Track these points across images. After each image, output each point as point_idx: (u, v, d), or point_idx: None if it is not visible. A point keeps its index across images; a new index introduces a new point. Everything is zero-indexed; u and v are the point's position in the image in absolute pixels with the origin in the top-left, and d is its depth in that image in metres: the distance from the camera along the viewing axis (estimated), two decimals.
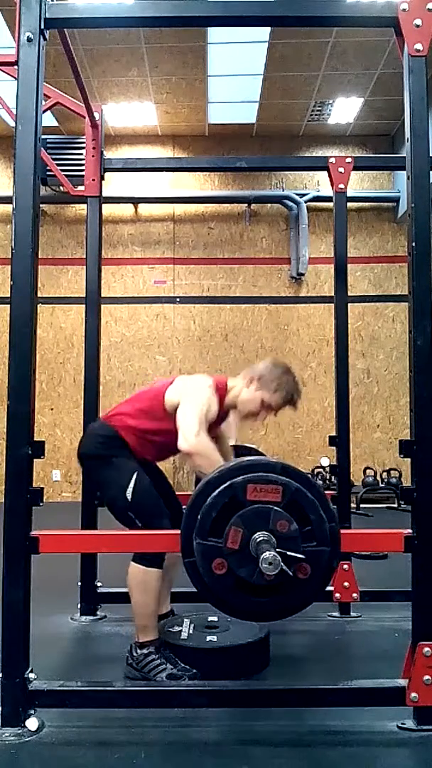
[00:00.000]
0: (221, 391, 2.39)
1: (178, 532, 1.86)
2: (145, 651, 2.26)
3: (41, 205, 4.03)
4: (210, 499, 1.78)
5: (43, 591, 2.57)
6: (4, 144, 7.44)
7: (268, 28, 5.32)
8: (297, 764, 1.74)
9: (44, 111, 2.31)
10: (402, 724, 1.89)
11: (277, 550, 1.71)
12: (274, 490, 1.77)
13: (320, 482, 6.52)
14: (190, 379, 2.43)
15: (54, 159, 3.64)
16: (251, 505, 1.76)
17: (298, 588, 1.78)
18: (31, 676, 1.89)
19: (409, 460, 1.96)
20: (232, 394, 2.42)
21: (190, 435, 2.17)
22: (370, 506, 6.27)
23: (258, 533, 1.74)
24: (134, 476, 2.29)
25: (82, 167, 3.17)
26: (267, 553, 1.69)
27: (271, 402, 2.38)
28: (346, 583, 2.94)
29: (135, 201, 7.49)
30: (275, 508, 1.76)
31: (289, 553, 1.73)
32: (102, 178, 3.16)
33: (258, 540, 1.73)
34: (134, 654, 2.28)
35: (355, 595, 2.95)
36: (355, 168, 3.20)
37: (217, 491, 1.78)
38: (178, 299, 7.54)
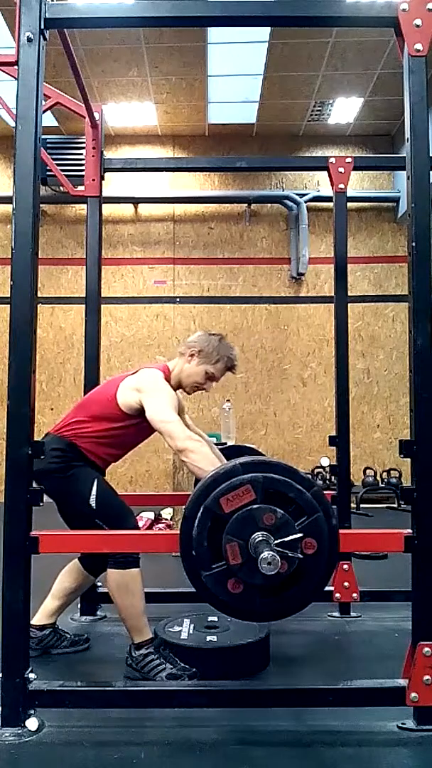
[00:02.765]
0: (167, 375, 2.46)
1: (177, 532, 1.86)
2: (143, 651, 2.26)
3: (41, 205, 4.01)
4: (195, 532, 1.79)
5: (43, 591, 2.58)
6: (4, 144, 7.44)
7: (268, 28, 5.32)
8: (297, 764, 1.74)
9: (44, 111, 2.31)
10: (402, 724, 1.89)
11: (276, 542, 1.72)
12: (244, 491, 1.78)
13: (320, 482, 6.52)
14: (143, 378, 2.42)
15: (54, 159, 3.64)
16: (232, 515, 1.77)
17: (314, 562, 1.78)
18: (31, 676, 1.89)
19: (409, 460, 1.96)
20: (174, 374, 2.51)
21: (178, 437, 2.21)
22: (370, 506, 6.27)
23: (252, 537, 1.74)
24: (95, 483, 2.33)
25: (82, 167, 3.17)
26: (263, 554, 1.69)
27: (214, 372, 2.51)
28: (346, 583, 2.94)
29: (135, 201, 7.48)
30: (253, 506, 1.76)
31: (287, 538, 1.73)
32: (102, 178, 3.16)
33: (256, 542, 1.73)
34: (133, 655, 2.28)
35: (355, 595, 2.95)
36: (355, 168, 3.20)
37: (196, 521, 1.79)
38: (178, 299, 7.54)
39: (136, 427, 2.41)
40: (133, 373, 2.48)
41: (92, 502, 2.30)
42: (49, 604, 2.57)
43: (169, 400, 2.33)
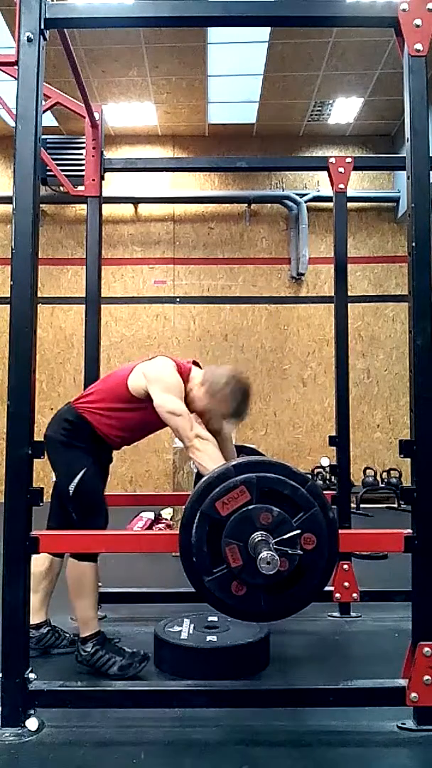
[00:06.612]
0: (184, 374, 2.40)
1: (177, 533, 1.86)
2: (89, 649, 2.32)
3: (41, 205, 4.01)
4: (194, 538, 1.79)
5: None
6: (4, 144, 7.44)
7: (268, 28, 5.32)
8: (297, 764, 1.74)
9: (44, 111, 2.31)
10: (402, 724, 1.89)
11: (275, 540, 1.72)
12: (239, 492, 1.77)
13: (320, 482, 6.52)
14: (152, 365, 2.41)
15: (54, 159, 3.64)
16: (229, 518, 1.77)
17: (315, 557, 1.78)
18: (31, 676, 1.89)
19: (409, 460, 1.96)
20: (189, 386, 2.42)
21: (185, 435, 2.23)
22: (370, 506, 6.26)
23: (251, 537, 1.74)
24: (82, 472, 2.32)
25: (82, 167, 3.17)
26: (261, 554, 1.69)
27: (212, 410, 2.40)
28: (346, 583, 2.94)
29: (135, 201, 7.48)
30: (249, 507, 1.76)
31: (286, 536, 1.73)
32: (102, 178, 3.16)
33: (255, 543, 1.73)
34: (82, 653, 2.33)
35: (355, 595, 2.95)
36: (355, 168, 3.20)
37: (194, 526, 1.79)
38: (178, 299, 7.54)
39: (142, 411, 2.38)
40: (150, 359, 2.48)
41: (71, 488, 2.31)
42: (32, 599, 2.56)
43: (174, 390, 2.31)
